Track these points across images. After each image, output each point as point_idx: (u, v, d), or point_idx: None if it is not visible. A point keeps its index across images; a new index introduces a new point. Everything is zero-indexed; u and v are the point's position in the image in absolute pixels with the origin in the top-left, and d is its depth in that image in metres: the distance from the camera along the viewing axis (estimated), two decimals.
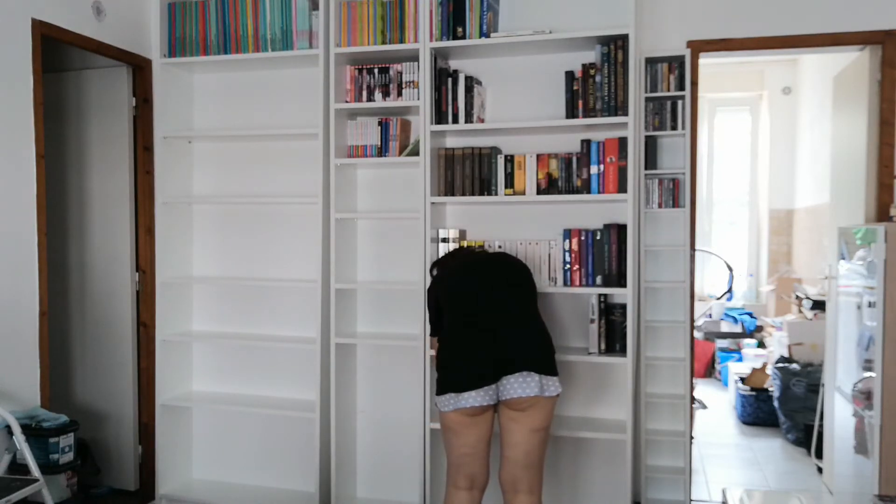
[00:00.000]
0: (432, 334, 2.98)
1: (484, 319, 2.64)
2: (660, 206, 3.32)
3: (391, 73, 3.27)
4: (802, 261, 6.61)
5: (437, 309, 2.81)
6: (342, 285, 3.34)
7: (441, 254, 3.22)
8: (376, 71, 3.29)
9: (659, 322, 3.38)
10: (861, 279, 3.11)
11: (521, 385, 2.53)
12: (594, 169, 3.08)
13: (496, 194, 3.19)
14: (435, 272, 2.97)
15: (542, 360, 2.57)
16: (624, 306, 3.10)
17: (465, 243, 3.22)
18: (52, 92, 3.62)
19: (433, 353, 3.04)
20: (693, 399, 3.66)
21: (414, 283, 3.28)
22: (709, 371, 6.69)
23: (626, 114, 3.02)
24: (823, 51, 3.73)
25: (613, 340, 3.13)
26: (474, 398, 2.54)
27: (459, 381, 2.57)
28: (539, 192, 3.14)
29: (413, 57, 3.24)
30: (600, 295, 3.11)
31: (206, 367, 3.77)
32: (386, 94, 3.28)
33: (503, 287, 2.71)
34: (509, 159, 3.17)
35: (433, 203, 3.22)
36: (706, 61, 3.44)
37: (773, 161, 7.11)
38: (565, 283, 3.13)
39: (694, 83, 3.33)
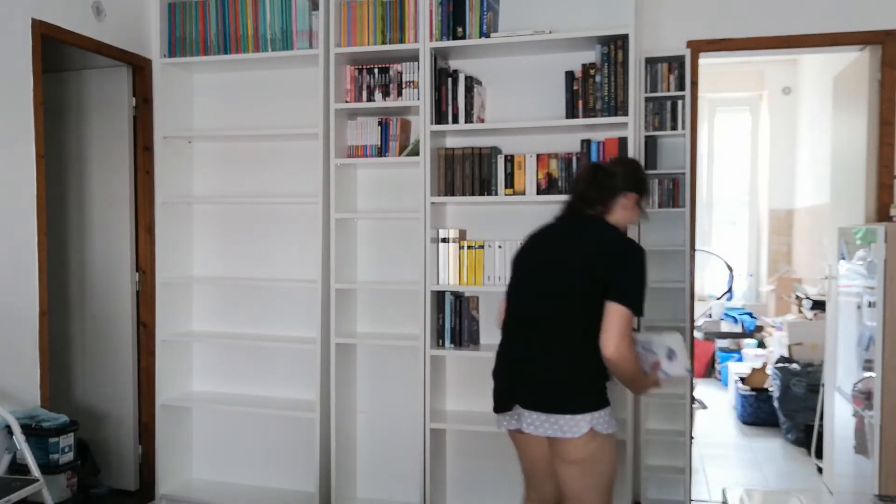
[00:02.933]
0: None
1: (521, 322, 2.19)
2: (660, 206, 3.33)
3: (391, 73, 3.27)
4: (802, 261, 6.61)
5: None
6: (342, 285, 3.34)
7: (441, 254, 3.22)
8: (376, 71, 3.29)
9: (659, 322, 3.37)
10: (861, 279, 3.11)
11: (531, 422, 2.12)
12: None
13: (496, 194, 3.18)
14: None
15: (552, 399, 2.10)
16: None
17: (464, 243, 3.21)
18: (52, 92, 3.62)
19: None
20: (693, 399, 3.66)
21: (414, 283, 3.28)
22: (709, 371, 6.69)
23: (626, 114, 3.01)
24: (823, 51, 3.73)
25: None
26: (507, 423, 2.23)
27: (494, 401, 2.26)
28: (539, 192, 3.14)
29: (413, 57, 3.24)
30: None
31: (206, 367, 3.77)
32: (386, 94, 3.28)
33: (556, 279, 2.14)
34: (509, 159, 3.17)
35: (433, 203, 3.22)
36: (706, 61, 3.44)
37: (773, 161, 7.11)
38: None
39: (694, 83, 3.33)
